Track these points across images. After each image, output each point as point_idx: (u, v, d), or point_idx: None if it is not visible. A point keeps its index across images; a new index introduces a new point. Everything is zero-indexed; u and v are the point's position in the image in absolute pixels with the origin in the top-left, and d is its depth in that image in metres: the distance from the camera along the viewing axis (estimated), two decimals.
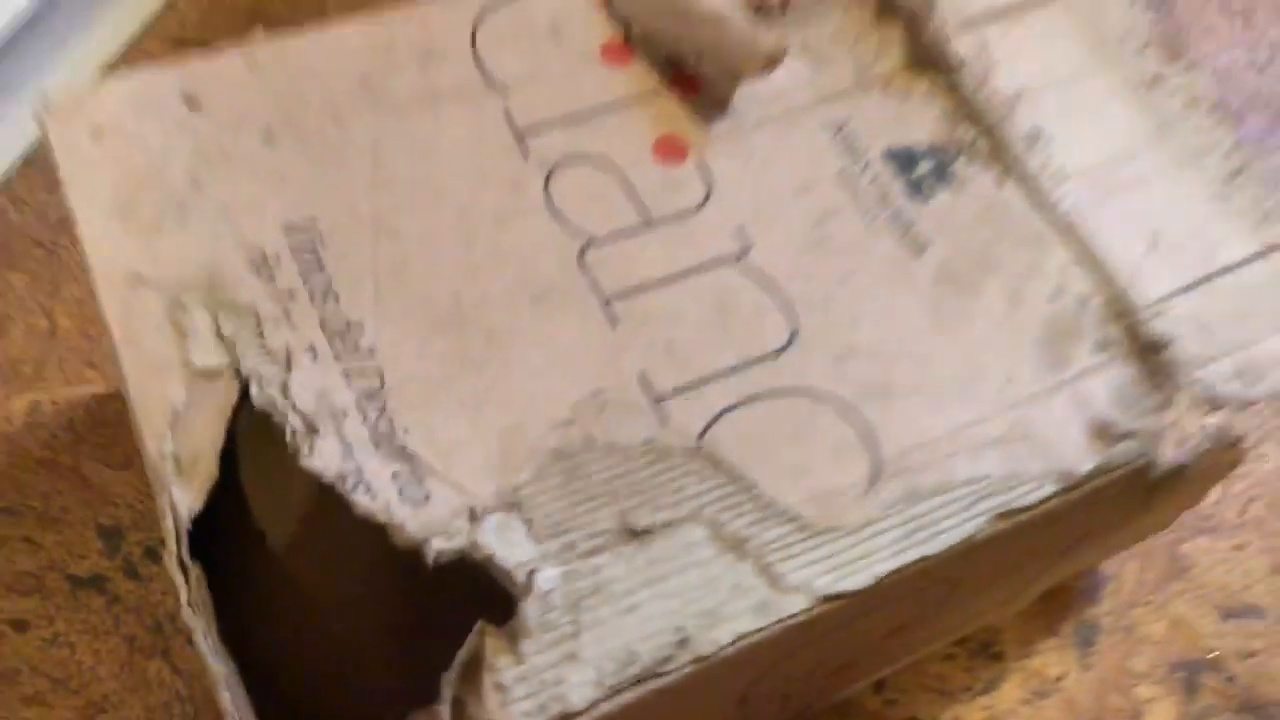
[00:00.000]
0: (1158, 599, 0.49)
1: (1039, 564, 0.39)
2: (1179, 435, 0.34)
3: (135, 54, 0.56)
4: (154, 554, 0.45)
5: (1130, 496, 0.35)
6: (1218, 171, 0.38)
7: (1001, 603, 0.44)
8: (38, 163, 0.53)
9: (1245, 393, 0.34)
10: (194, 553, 0.29)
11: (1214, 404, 0.34)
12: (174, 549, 0.28)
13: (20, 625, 0.43)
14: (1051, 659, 0.47)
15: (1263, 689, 0.48)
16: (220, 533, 0.30)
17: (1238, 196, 0.37)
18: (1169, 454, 0.34)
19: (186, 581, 0.28)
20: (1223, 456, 0.39)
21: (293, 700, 0.31)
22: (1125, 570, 0.50)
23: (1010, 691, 0.46)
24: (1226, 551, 0.51)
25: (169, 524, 0.29)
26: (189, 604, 0.28)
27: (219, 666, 0.28)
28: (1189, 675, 0.48)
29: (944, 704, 0.46)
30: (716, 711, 0.35)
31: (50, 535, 0.45)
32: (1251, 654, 0.49)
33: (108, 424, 0.47)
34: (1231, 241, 0.36)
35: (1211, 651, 0.48)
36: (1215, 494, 0.52)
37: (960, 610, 0.40)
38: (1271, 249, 0.36)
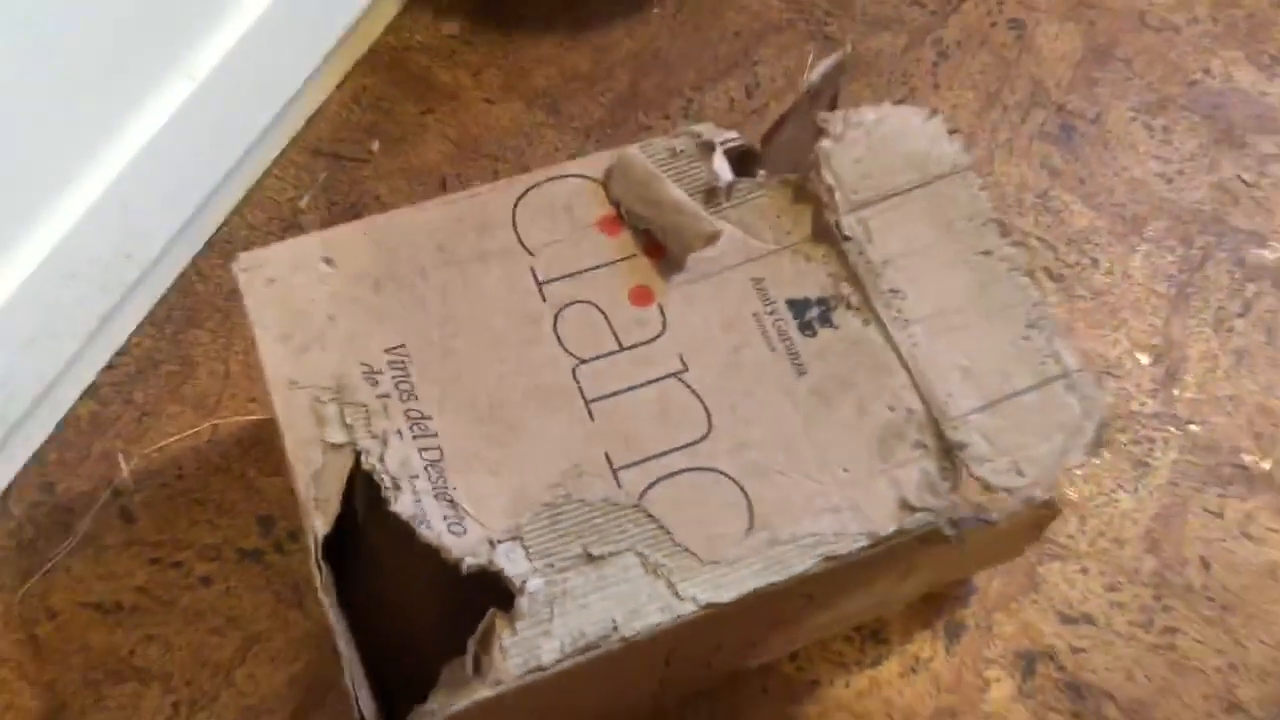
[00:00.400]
0: (1013, 606, 0.65)
1: (880, 585, 0.56)
2: (968, 508, 0.50)
3: (285, 162, 0.74)
4: (294, 536, 0.64)
5: (934, 547, 0.51)
6: (1020, 322, 0.53)
7: (873, 607, 0.60)
8: (216, 245, 0.72)
9: (1012, 484, 0.50)
10: (325, 553, 0.47)
11: (989, 489, 0.50)
12: (313, 554, 0.47)
13: (206, 580, 0.63)
14: (925, 645, 0.64)
15: (1084, 676, 0.64)
16: (343, 540, 0.49)
17: (1031, 342, 0.53)
18: (960, 521, 0.50)
19: (320, 575, 0.47)
20: (1037, 513, 0.55)
21: (382, 647, 0.49)
22: (992, 584, 0.66)
23: (891, 667, 0.63)
24: (1073, 573, 0.66)
25: (310, 540, 0.47)
26: (320, 588, 0.47)
27: (338, 625, 0.46)
28: (1028, 663, 0.64)
29: (840, 672, 0.63)
30: (645, 670, 0.52)
31: (225, 520, 0.64)
32: (1080, 650, 0.64)
33: (264, 442, 0.66)
34: (1018, 375, 0.52)
35: (1049, 647, 0.64)
36: (1073, 528, 0.68)
37: (827, 614, 0.57)
38: (1044, 382, 0.52)
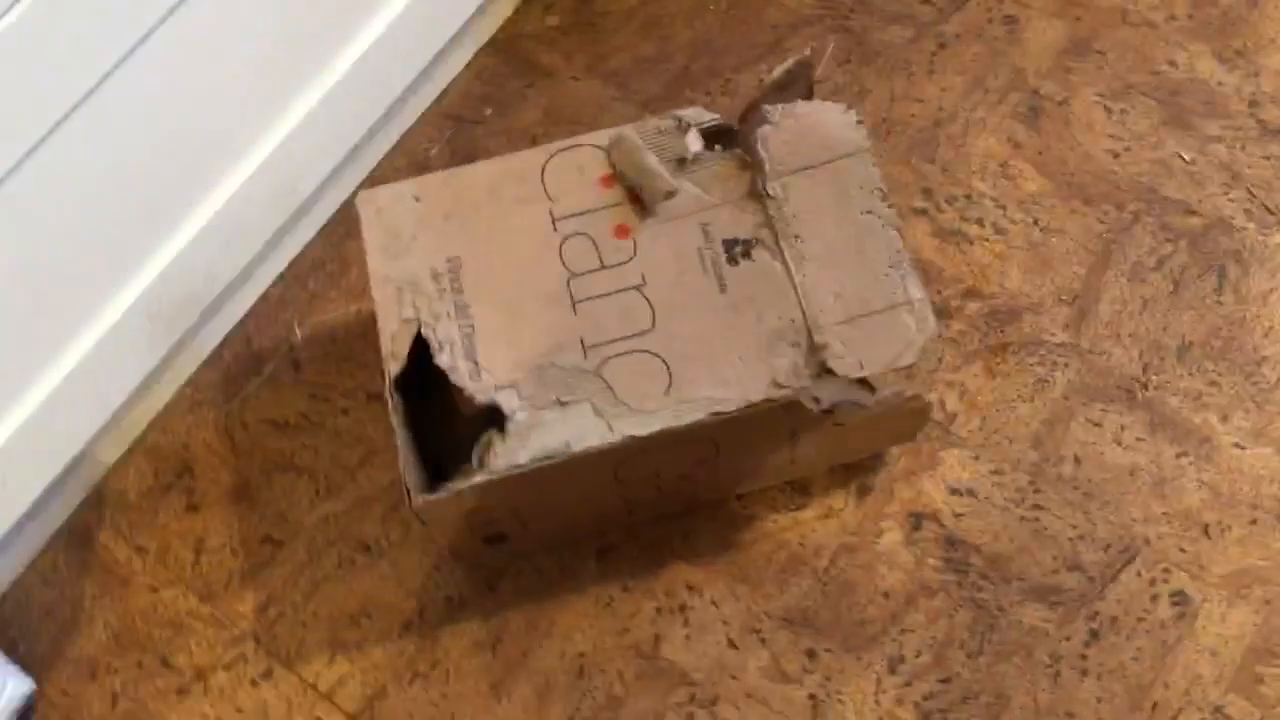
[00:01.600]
0: (913, 478, 0.85)
1: (771, 441, 0.76)
2: (840, 393, 0.71)
3: (424, 123, 1.00)
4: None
5: (804, 416, 0.71)
6: (884, 264, 0.73)
7: (790, 465, 0.81)
8: (371, 180, 0.98)
9: (853, 373, 0.70)
10: (399, 388, 0.73)
11: (836, 375, 0.70)
12: (388, 385, 0.73)
13: (345, 411, 0.90)
14: (838, 500, 0.84)
15: (960, 534, 0.83)
16: (413, 380, 0.74)
17: (889, 278, 0.72)
18: (836, 403, 0.71)
19: (392, 399, 0.72)
20: (908, 404, 0.75)
21: (436, 456, 0.74)
22: (900, 461, 0.85)
23: (810, 512, 0.84)
24: (965, 458, 0.85)
25: (388, 378, 0.73)
26: (390, 406, 0.72)
27: (397, 425, 0.72)
28: (916, 519, 0.83)
29: (771, 512, 0.84)
30: (601, 482, 0.75)
31: (361, 372, 0.91)
32: (960, 515, 0.83)
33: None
34: (874, 300, 0.71)
35: (936, 510, 0.84)
36: (974, 425, 0.86)
37: (740, 460, 0.78)
38: (892, 307, 0.71)
